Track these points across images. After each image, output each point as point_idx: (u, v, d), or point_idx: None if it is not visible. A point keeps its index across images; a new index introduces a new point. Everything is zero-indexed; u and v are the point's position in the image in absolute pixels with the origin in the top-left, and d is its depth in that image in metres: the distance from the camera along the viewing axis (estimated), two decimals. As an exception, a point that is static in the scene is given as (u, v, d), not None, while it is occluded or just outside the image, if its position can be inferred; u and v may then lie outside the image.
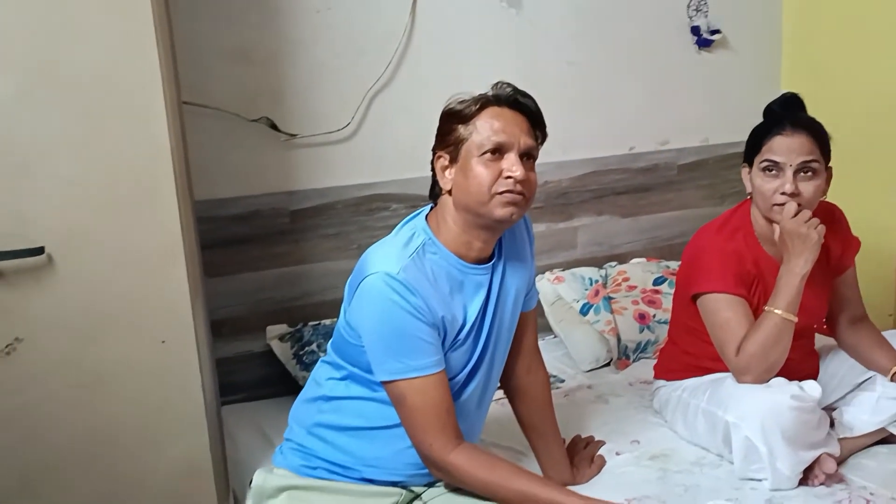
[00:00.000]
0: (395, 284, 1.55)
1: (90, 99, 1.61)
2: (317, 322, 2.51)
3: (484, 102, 1.63)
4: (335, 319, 2.46)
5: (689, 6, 2.91)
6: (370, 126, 2.54)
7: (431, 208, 1.73)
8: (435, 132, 1.71)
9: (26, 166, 1.60)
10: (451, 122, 1.64)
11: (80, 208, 1.63)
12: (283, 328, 2.50)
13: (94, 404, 1.71)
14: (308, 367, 2.39)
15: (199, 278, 1.74)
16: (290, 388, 2.45)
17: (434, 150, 1.69)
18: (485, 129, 1.60)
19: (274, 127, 2.41)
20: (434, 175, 1.69)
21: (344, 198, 2.53)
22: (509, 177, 1.58)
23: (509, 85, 1.67)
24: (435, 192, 1.70)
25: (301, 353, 2.42)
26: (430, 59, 2.58)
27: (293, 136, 2.44)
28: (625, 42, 2.86)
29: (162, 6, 1.61)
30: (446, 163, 1.65)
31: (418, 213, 1.73)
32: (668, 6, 2.91)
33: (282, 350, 2.46)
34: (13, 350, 1.63)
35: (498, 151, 1.59)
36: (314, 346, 2.42)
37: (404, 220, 1.73)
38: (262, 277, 2.48)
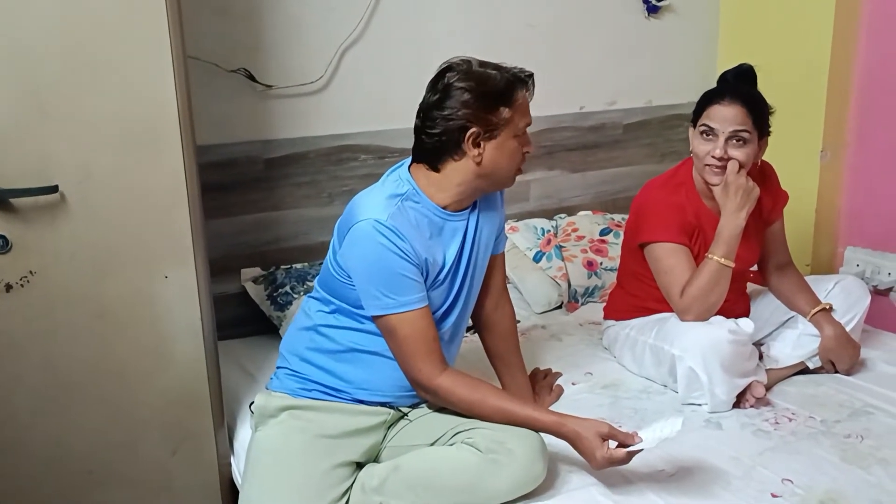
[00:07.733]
0: (384, 230, 1.66)
1: (105, 49, 1.67)
2: (288, 266, 2.58)
3: (520, 86, 1.72)
4: (306, 263, 2.61)
5: (641, -27, 3.01)
6: (341, 80, 2.59)
7: (413, 163, 1.80)
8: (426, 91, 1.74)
9: (46, 110, 1.64)
10: (496, 103, 1.69)
11: (93, 150, 1.69)
12: (256, 271, 2.57)
13: (102, 334, 1.78)
14: (282, 307, 2.48)
15: (200, 219, 1.81)
16: (262, 327, 2.54)
17: (467, 122, 1.69)
18: (523, 111, 1.73)
19: (251, 78, 2.45)
20: (435, 139, 1.72)
21: (315, 148, 2.59)
22: (527, 152, 1.76)
23: (523, 70, 1.75)
24: (429, 156, 1.75)
25: (275, 294, 2.50)
26: (399, 19, 2.64)
27: (269, 87, 2.49)
28: (581, 7, 2.95)
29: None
30: (480, 137, 1.71)
31: (401, 165, 1.82)
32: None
33: (255, 291, 2.53)
34: (27, 283, 1.69)
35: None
36: (287, 288, 2.49)
37: (389, 171, 1.83)
38: (237, 223, 2.53)
